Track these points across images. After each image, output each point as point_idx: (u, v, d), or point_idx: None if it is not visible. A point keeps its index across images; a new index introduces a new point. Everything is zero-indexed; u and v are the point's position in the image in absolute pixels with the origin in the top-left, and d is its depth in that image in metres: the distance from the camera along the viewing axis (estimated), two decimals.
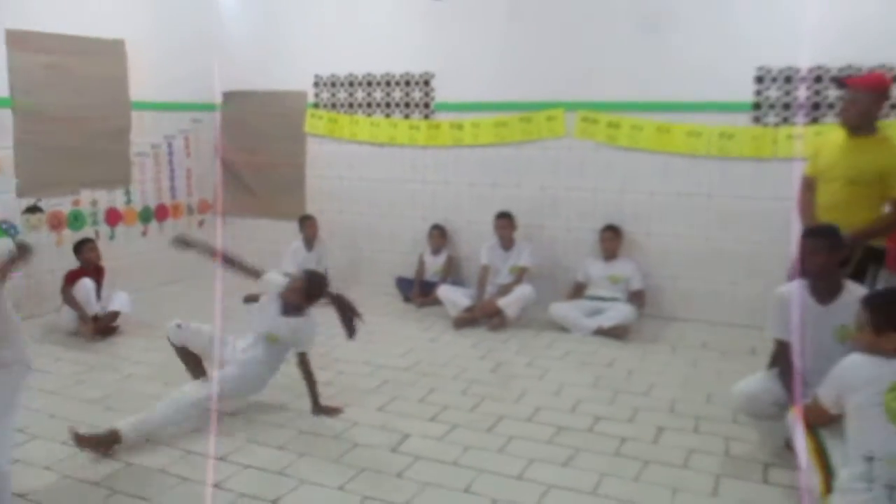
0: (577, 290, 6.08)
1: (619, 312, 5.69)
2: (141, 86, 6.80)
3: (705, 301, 6.03)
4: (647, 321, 5.92)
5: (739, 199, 5.83)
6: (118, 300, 5.70)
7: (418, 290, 6.58)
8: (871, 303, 2.71)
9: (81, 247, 5.72)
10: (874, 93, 3.94)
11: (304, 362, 4.15)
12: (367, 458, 3.61)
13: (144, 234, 7.08)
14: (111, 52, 6.53)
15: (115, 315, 5.64)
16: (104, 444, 3.59)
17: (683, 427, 4.00)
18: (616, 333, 5.57)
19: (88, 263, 5.69)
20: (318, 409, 4.14)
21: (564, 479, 3.41)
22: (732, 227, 5.88)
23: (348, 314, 4.29)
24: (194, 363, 4.28)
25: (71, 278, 5.59)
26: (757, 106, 5.70)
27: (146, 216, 7.08)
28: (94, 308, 5.53)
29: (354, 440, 3.82)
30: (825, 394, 2.73)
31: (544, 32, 6.25)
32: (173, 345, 4.24)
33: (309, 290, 4.17)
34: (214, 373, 4.04)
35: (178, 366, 4.59)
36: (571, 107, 6.24)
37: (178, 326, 4.16)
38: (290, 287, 4.18)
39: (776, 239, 5.53)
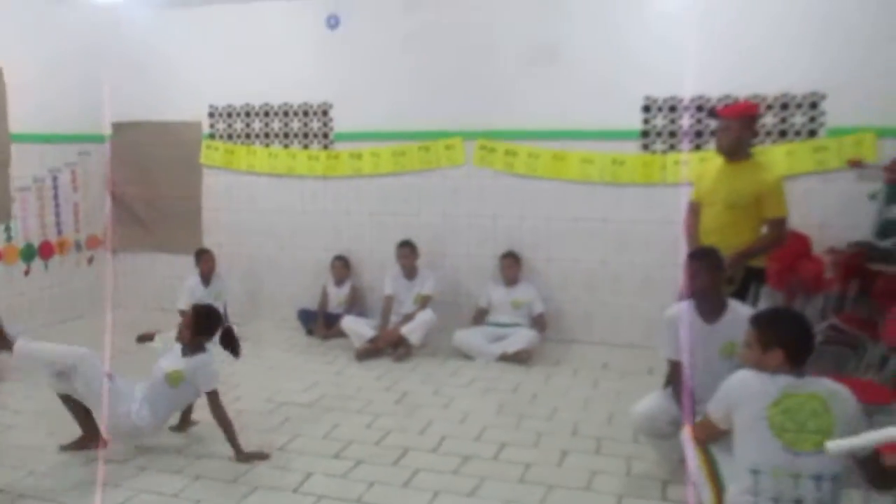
0: (480, 316, 6.13)
1: (521, 337, 5.76)
2: (22, 117, 6.44)
3: (604, 323, 6.19)
4: (549, 345, 6.02)
5: (632, 224, 6.05)
6: None
7: (322, 322, 6.48)
8: (757, 321, 2.83)
9: None
10: (742, 120, 4.19)
11: (214, 404, 3.91)
12: (268, 502, 3.49)
13: (27, 273, 6.67)
14: None
15: None
16: None
17: (586, 449, 4.07)
18: (519, 358, 5.63)
19: None
20: (242, 456, 3.91)
21: None
22: (626, 250, 6.08)
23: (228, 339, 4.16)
24: (83, 414, 4.02)
25: None
26: (645, 134, 5.95)
27: (29, 254, 6.68)
28: None
29: (254, 483, 3.68)
30: (714, 409, 2.83)
31: (441, 62, 6.33)
32: (59, 395, 3.98)
33: (197, 325, 4.01)
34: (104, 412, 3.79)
35: (64, 414, 4.33)
36: (470, 136, 6.34)
37: (59, 374, 3.88)
38: (181, 325, 4.01)
39: (666, 261, 5.75)
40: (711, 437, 2.90)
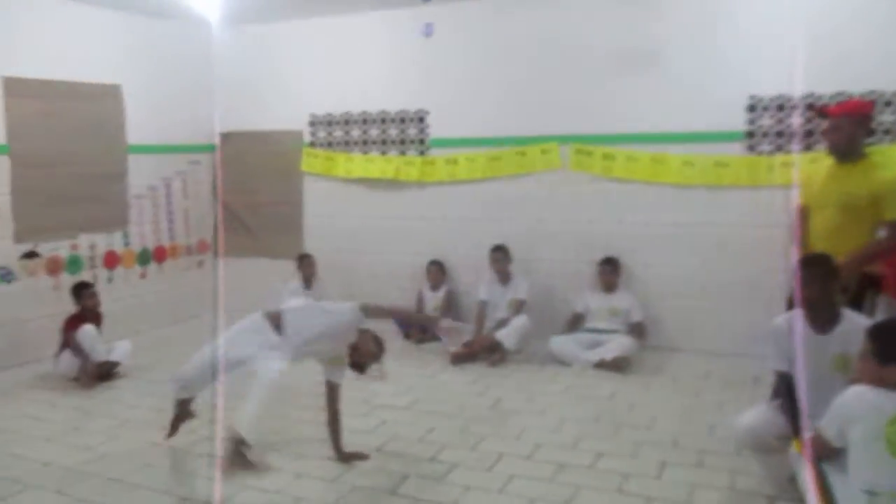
0: (576, 321, 6.04)
1: (619, 344, 5.65)
2: (139, 129, 6.85)
3: (706, 331, 5.99)
4: (647, 353, 5.87)
5: (736, 228, 5.82)
6: (120, 350, 5.65)
7: (417, 327, 6.55)
8: (876, 333, 2.67)
9: (81, 291, 5.68)
10: (855, 118, 3.96)
11: (336, 393, 4.05)
12: (367, 503, 3.55)
13: (143, 276, 7.07)
14: (108, 97, 6.59)
15: (114, 365, 5.57)
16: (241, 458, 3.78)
17: (686, 461, 3.94)
18: (617, 366, 5.52)
19: (87, 309, 5.65)
20: (343, 455, 4.00)
21: None
22: (730, 255, 5.86)
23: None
24: (184, 418, 4.20)
25: (72, 324, 5.54)
26: (750, 134, 5.72)
27: (144, 258, 7.09)
28: (100, 356, 5.48)
29: (353, 482, 3.76)
30: (827, 426, 2.69)
31: (537, 68, 6.31)
32: (178, 399, 4.14)
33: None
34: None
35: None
36: (566, 140, 6.27)
37: (178, 381, 4.07)
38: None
39: (775, 266, 5.49)
40: (823, 454, 2.76)
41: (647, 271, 6.13)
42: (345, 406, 4.84)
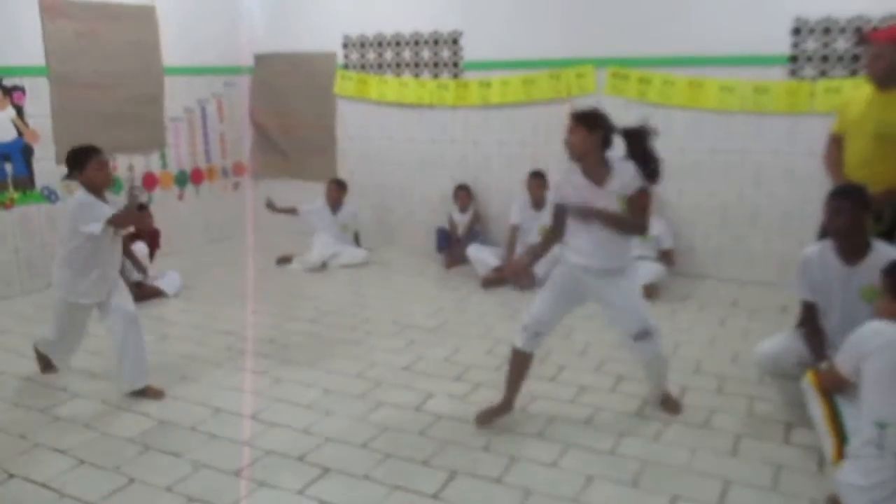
0: None
1: (648, 271, 5.62)
2: (173, 51, 6.87)
3: (737, 259, 5.95)
4: (676, 280, 5.87)
5: (774, 156, 5.70)
6: (168, 280, 5.82)
7: (452, 248, 6.60)
8: (891, 270, 2.66)
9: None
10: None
11: None
12: (391, 418, 3.70)
13: (181, 197, 7.22)
14: (142, 18, 6.59)
15: (158, 291, 5.76)
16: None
17: (707, 387, 4.00)
18: (645, 292, 5.52)
19: (140, 229, 5.83)
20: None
21: (584, 439, 3.45)
22: (766, 184, 5.76)
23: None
24: None
25: (124, 242, 5.71)
26: (794, 59, 5.52)
27: (182, 180, 7.22)
28: (139, 275, 5.67)
29: (379, 398, 3.91)
30: (843, 360, 2.71)
31: None
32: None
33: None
34: None
35: (213, 327, 4.77)
36: (601, 63, 6.13)
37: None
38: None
39: (811, 196, 5.37)
40: (837, 388, 2.78)
41: (679, 198, 6.06)
42: (375, 326, 5.01)
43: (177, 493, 3.06)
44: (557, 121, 6.33)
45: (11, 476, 3.21)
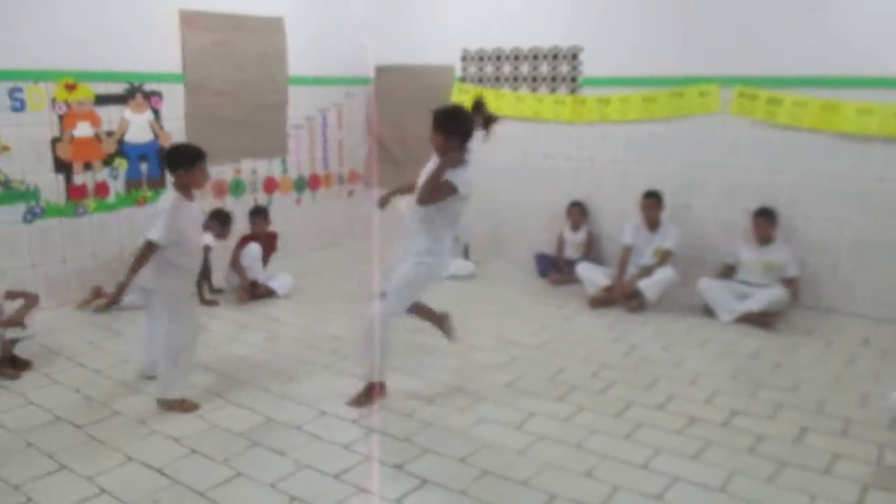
0: (725, 274, 5.75)
1: (769, 295, 5.34)
2: (298, 61, 7.13)
3: (869, 293, 5.54)
4: (800, 312, 5.54)
5: None
6: (280, 281, 6.03)
7: (557, 267, 6.53)
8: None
9: (252, 216, 6.15)
10: None
11: None
12: (491, 434, 3.66)
13: (298, 202, 7.47)
14: (271, 30, 6.89)
15: (270, 292, 5.96)
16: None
17: (830, 429, 3.73)
18: (763, 322, 5.26)
19: (257, 231, 6.08)
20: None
21: (691, 473, 3.29)
22: None
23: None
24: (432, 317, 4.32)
25: (241, 243, 6.01)
26: None
27: (300, 185, 7.47)
28: (256, 275, 5.90)
29: (479, 414, 3.87)
30: None
31: (698, 2, 5.92)
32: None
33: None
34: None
35: (323, 329, 4.89)
36: (727, 81, 5.89)
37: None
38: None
39: None
40: None
41: (806, 224, 5.72)
42: (479, 339, 4.99)
43: (280, 490, 3.14)
44: (678, 139, 6.18)
45: (130, 459, 3.38)
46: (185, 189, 3.88)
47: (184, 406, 3.90)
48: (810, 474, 3.29)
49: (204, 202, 6.48)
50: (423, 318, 4.28)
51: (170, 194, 3.87)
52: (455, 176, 3.78)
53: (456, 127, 3.81)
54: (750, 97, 5.82)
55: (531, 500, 3.08)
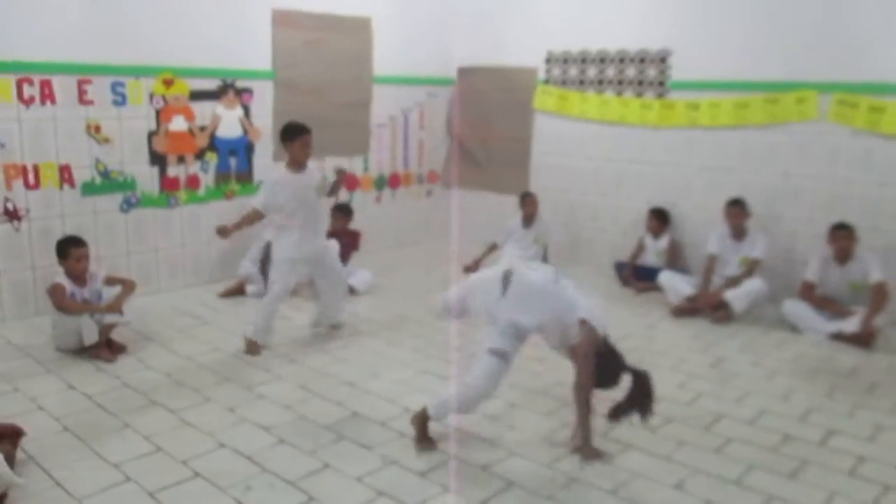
0: (807, 290, 5.40)
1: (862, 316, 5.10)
2: (383, 61, 7.20)
3: None
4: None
5: None
6: (359, 277, 6.10)
7: (631, 273, 6.41)
8: None
9: (333, 213, 6.24)
10: None
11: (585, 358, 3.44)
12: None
13: (378, 200, 7.54)
14: (359, 29, 6.98)
15: (350, 288, 5.99)
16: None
17: None
18: (861, 341, 5.03)
19: (337, 229, 6.16)
20: (588, 451, 3.44)
21: (789, 492, 3.17)
22: None
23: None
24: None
25: None
26: None
27: (380, 183, 7.54)
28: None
29: (565, 419, 3.82)
30: None
31: (795, 4, 5.72)
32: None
33: None
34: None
35: (400, 325, 4.91)
36: (825, 88, 5.67)
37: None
38: None
39: None
40: None
41: None
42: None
43: (366, 484, 3.16)
44: (771, 147, 5.98)
45: (222, 445, 3.46)
46: (291, 161, 4.65)
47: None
48: None
49: None
50: None
51: (281, 170, 4.78)
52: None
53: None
54: (850, 105, 5.59)
55: None
